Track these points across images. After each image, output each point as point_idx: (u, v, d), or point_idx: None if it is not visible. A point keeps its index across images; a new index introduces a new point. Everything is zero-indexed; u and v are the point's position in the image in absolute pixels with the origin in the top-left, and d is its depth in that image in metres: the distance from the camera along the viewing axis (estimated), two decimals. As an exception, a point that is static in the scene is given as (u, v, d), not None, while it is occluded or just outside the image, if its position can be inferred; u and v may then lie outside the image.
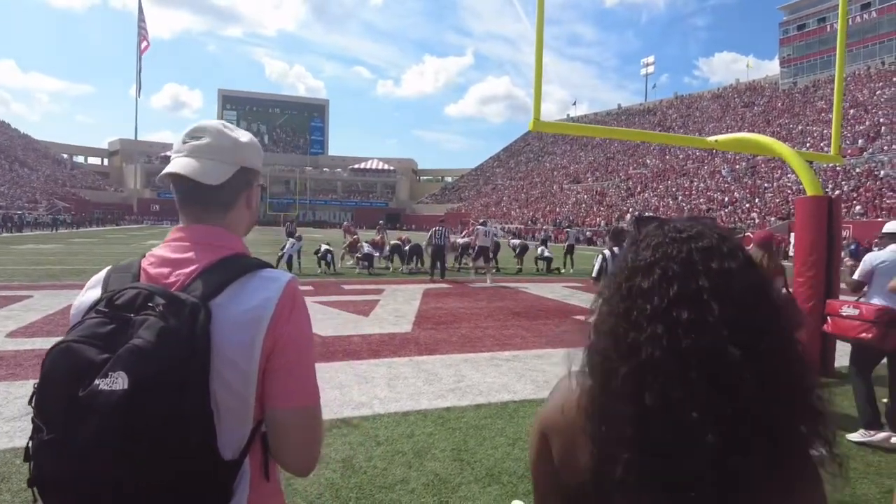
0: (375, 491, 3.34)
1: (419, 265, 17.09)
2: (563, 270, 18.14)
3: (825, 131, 46.75)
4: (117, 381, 0.89)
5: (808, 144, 46.82)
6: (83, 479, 0.91)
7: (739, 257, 0.77)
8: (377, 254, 17.07)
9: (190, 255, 1.09)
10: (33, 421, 0.95)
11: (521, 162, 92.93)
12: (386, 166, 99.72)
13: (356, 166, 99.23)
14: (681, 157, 61.31)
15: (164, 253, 1.11)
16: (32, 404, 0.96)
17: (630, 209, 52.37)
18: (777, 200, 40.72)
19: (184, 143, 1.16)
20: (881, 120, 46.01)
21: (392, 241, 17.72)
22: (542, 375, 5.82)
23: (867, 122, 47.00)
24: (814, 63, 63.62)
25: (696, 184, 52.24)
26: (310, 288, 11.99)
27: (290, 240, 15.69)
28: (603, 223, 51.16)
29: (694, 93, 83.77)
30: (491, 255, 15.49)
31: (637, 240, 0.82)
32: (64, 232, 42.10)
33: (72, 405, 0.90)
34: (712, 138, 8.13)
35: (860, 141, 44.31)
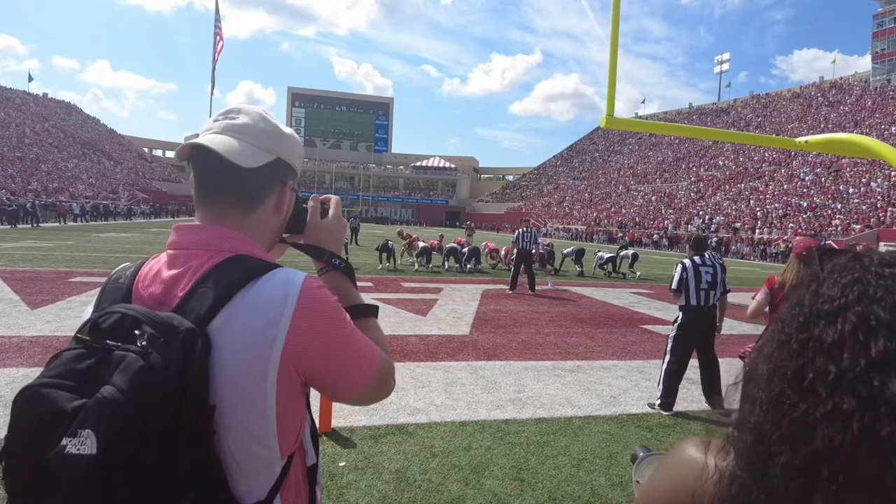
0: (430, 509, 3.15)
1: (476, 266, 16.77)
2: (628, 276, 17.54)
3: (922, 133, 43.24)
4: (85, 443, 0.69)
5: (901, 147, 43.38)
6: None
7: None
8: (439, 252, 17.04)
9: (190, 263, 0.88)
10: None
11: (585, 161, 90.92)
12: (447, 164, 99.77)
13: (417, 164, 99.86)
14: (755, 158, 58.18)
15: (163, 260, 0.92)
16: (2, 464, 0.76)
17: (699, 212, 50.18)
18: (864, 207, 37.99)
19: (215, 121, 0.96)
20: None
21: (449, 245, 17.42)
22: (608, 389, 5.48)
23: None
24: (911, 58, 58.90)
25: (771, 188, 49.45)
26: (369, 284, 11.99)
27: None
28: (671, 226, 49.26)
29: (771, 91, 79.36)
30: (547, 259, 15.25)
31: (819, 276, 0.56)
32: (140, 221, 44.55)
33: (37, 470, 0.71)
34: (801, 139, 7.51)
35: (963, 144, 40.70)
